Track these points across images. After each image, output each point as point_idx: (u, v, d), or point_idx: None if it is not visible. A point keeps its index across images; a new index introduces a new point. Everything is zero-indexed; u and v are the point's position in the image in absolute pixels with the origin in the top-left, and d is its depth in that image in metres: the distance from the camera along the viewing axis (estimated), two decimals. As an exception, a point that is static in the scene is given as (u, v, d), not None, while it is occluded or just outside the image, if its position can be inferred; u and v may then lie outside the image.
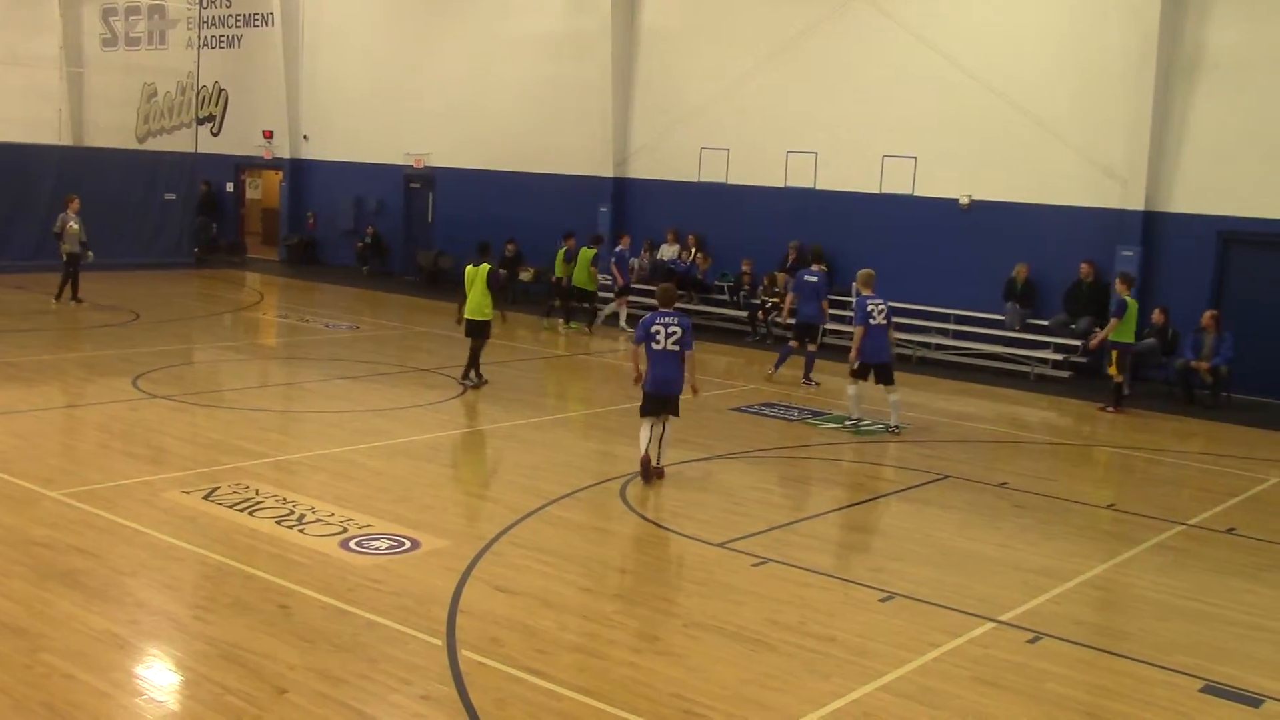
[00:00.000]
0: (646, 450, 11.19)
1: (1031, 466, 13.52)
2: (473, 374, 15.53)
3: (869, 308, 14.00)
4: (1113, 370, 16.63)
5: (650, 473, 11.21)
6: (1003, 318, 19.98)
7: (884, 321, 14.10)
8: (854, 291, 15.01)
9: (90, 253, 21.77)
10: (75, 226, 21.50)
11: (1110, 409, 16.51)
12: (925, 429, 14.85)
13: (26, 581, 7.90)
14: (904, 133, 21.36)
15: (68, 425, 13.06)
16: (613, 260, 22.30)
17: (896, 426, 14.17)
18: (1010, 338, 19.77)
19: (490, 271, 15.39)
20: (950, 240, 20.73)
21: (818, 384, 17.09)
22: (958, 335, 20.45)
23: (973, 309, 20.35)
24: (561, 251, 22.18)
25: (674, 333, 11.11)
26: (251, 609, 7.62)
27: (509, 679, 6.77)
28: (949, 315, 20.59)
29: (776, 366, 17.62)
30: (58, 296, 21.42)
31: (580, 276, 21.75)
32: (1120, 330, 16.50)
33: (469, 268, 15.50)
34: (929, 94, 20.95)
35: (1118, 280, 16.83)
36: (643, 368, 11.35)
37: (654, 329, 11.11)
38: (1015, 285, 20.03)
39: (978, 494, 11.76)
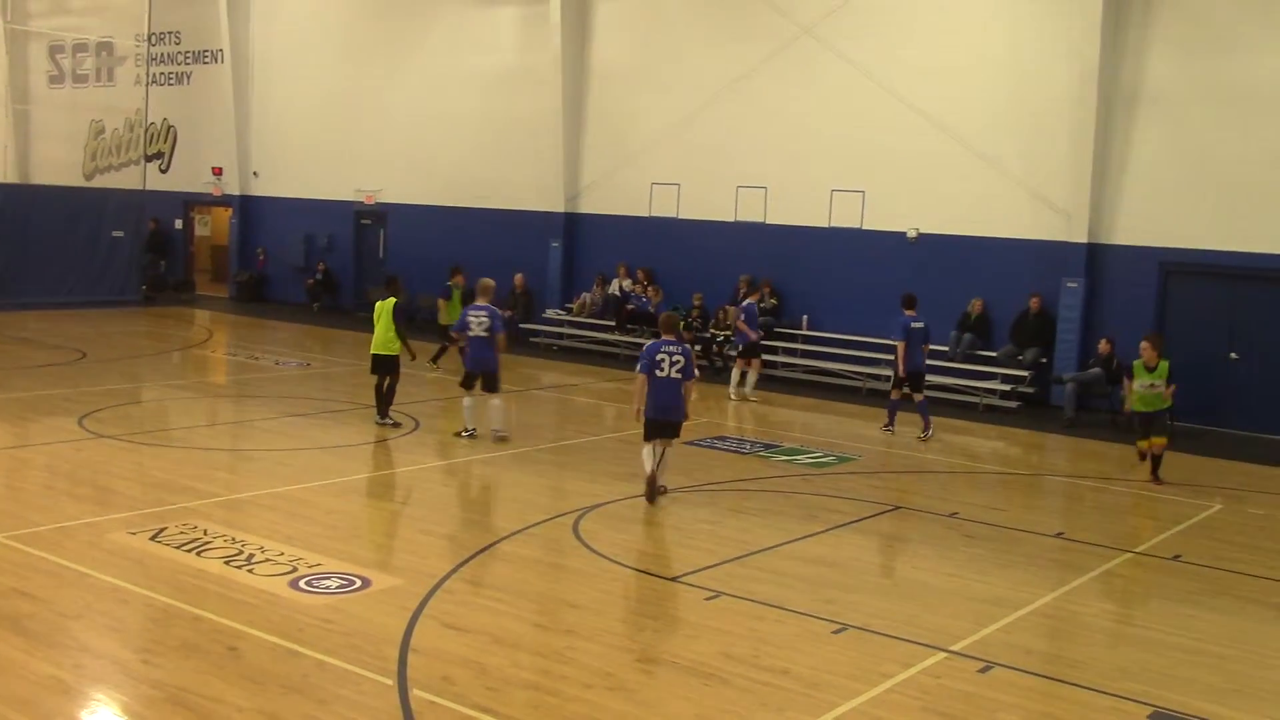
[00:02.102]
0: (652, 471, 11.78)
1: (981, 497, 13.65)
2: (387, 413, 15.38)
3: (470, 318, 14.59)
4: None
5: (655, 490, 11.81)
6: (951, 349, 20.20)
7: (485, 334, 14.56)
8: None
9: None
10: None
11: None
12: (876, 460, 14.96)
13: (-33, 627, 7.76)
14: (852, 167, 21.63)
15: (11, 466, 12.83)
16: (740, 316, 19.44)
17: (499, 431, 14.72)
18: (959, 369, 20.00)
19: (395, 306, 15.31)
20: (898, 273, 20.93)
21: (932, 433, 16.70)
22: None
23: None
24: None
25: (677, 361, 11.67)
26: (200, 651, 7.52)
27: (461, 718, 6.72)
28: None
29: (890, 424, 16.94)
30: None
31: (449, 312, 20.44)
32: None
33: (377, 302, 15.45)
34: (876, 130, 21.24)
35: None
36: (643, 400, 11.77)
37: (659, 357, 11.64)
38: (969, 318, 20.30)
39: (928, 524, 11.85)
